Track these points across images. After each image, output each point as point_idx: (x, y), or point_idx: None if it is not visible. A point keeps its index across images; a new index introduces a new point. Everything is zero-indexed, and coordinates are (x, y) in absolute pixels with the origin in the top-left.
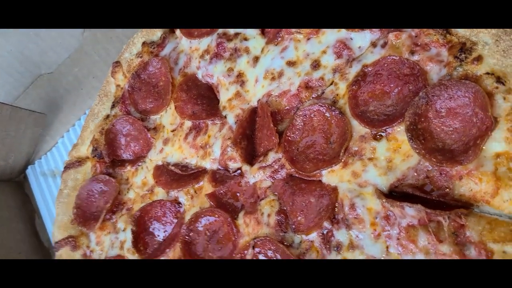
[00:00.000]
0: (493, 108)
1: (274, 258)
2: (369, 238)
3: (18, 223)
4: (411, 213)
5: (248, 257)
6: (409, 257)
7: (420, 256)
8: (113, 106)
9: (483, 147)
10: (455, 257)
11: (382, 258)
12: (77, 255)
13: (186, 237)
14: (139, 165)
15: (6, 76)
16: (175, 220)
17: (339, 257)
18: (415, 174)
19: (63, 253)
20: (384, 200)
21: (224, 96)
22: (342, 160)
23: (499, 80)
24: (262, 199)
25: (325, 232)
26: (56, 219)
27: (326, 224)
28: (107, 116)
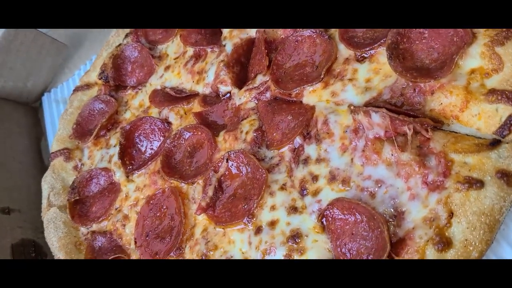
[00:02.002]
0: None
1: (245, 170)
2: (336, 151)
3: (25, 139)
4: (377, 120)
5: (221, 169)
6: (370, 168)
7: (381, 167)
8: (126, 37)
9: (460, 63)
10: (414, 166)
11: (344, 170)
12: (69, 166)
13: (168, 151)
14: (139, 89)
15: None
16: (162, 139)
17: (305, 170)
18: (391, 91)
19: (57, 163)
20: (352, 107)
21: None
22: (323, 79)
23: None
24: (244, 118)
25: (296, 147)
26: (57, 133)
27: (298, 139)
28: (119, 45)
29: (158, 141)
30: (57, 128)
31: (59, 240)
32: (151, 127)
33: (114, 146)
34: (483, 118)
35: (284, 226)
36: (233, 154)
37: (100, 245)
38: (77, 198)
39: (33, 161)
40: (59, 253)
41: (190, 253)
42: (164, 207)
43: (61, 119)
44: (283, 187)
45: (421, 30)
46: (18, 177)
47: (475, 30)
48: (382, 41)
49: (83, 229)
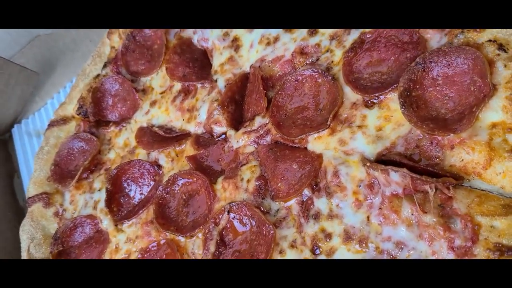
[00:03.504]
0: (492, 76)
1: (249, 224)
2: (350, 207)
3: None
4: (395, 179)
5: (223, 222)
6: (389, 228)
7: (402, 228)
8: (104, 66)
9: (479, 116)
10: (439, 229)
11: (360, 229)
12: (49, 212)
13: (161, 199)
14: (123, 126)
15: (3, 34)
16: (153, 183)
17: (316, 226)
18: (405, 143)
19: (35, 209)
20: (368, 164)
21: (217, 60)
22: (330, 126)
23: (501, 47)
24: (244, 164)
25: (304, 200)
26: (33, 175)
27: (307, 191)
28: (97, 76)
29: (148, 185)
30: (32, 167)
31: None
32: (140, 170)
33: (99, 190)
34: (507, 176)
35: None
36: (235, 206)
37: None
38: (61, 249)
39: (6, 203)
40: None
41: None
42: None
43: (37, 159)
44: (293, 245)
45: (434, 76)
46: None
47: (494, 81)
48: (392, 86)
49: None
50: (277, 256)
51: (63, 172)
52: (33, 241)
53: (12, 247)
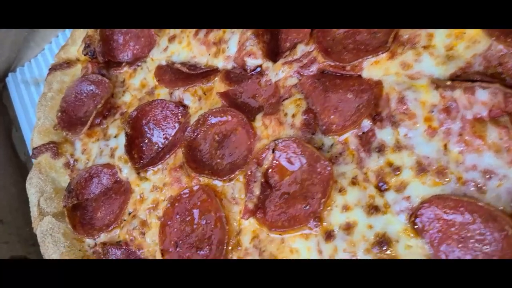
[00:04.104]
0: None
1: (298, 162)
2: (421, 135)
3: None
4: (483, 98)
5: (266, 162)
6: (473, 156)
7: (488, 154)
8: None
9: None
10: None
11: (437, 159)
12: (58, 164)
13: (191, 142)
14: (138, 65)
15: None
16: (177, 125)
17: (381, 160)
18: (484, 61)
19: (43, 160)
20: (448, 83)
21: None
22: (390, 49)
23: None
24: (286, 98)
25: (364, 132)
26: (36, 123)
27: (366, 122)
28: None
29: (172, 128)
30: (33, 118)
31: (62, 256)
32: (163, 112)
33: (115, 136)
34: None
35: (365, 230)
36: (282, 143)
37: (114, 259)
38: (75, 202)
39: (6, 158)
40: None
41: None
42: (195, 211)
43: (40, 106)
44: (354, 182)
45: None
46: None
47: None
48: None
49: (88, 241)
50: (336, 196)
51: (71, 119)
52: (43, 194)
53: (18, 202)
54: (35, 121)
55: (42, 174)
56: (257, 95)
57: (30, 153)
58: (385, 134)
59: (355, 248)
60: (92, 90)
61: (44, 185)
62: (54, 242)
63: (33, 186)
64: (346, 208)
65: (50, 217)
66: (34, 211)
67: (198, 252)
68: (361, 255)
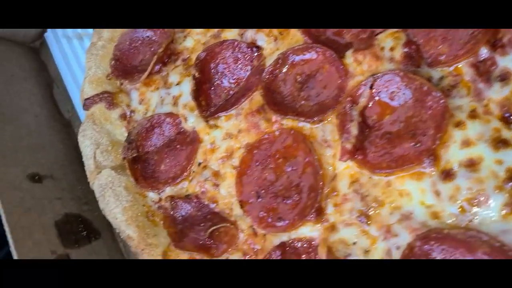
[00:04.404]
0: None
1: (402, 98)
2: None
3: (33, 87)
4: None
5: (363, 100)
6: None
7: None
8: None
9: None
10: None
11: None
12: (113, 115)
13: (269, 83)
14: None
15: None
16: (250, 68)
17: (506, 90)
18: None
19: (97, 111)
20: None
21: None
22: None
23: None
24: (380, 32)
25: (481, 60)
26: (86, 73)
27: (484, 50)
28: None
29: (244, 72)
30: (80, 70)
31: (125, 211)
32: (234, 54)
33: (177, 84)
34: None
35: (493, 166)
36: (382, 77)
37: (184, 214)
38: (135, 155)
39: (50, 113)
40: (128, 229)
41: (336, 214)
42: (278, 156)
43: (90, 55)
44: (473, 115)
45: None
46: (39, 134)
47: None
48: None
49: (152, 195)
50: (454, 131)
51: (126, 68)
52: (99, 147)
53: (66, 159)
54: (81, 79)
55: (96, 126)
56: (344, 31)
57: (82, 104)
58: (509, 61)
59: (483, 185)
60: (148, 36)
61: (99, 137)
62: (116, 196)
63: (87, 138)
64: (466, 143)
65: (109, 170)
66: (90, 164)
67: (285, 201)
68: (491, 193)
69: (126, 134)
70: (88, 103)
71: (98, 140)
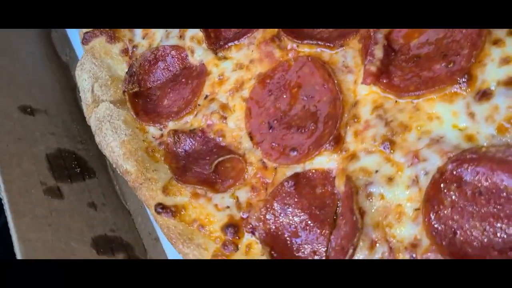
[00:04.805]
0: None
1: None
2: None
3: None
4: None
5: None
6: None
7: None
8: None
9: None
10: None
11: None
12: (114, 49)
13: None
14: None
15: None
16: None
17: None
18: None
19: (97, 45)
20: None
21: None
22: None
23: None
24: None
25: None
26: None
27: None
28: None
29: None
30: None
31: (123, 145)
32: None
33: None
34: None
35: None
36: None
37: (188, 149)
38: (137, 90)
39: (46, 53)
40: (126, 164)
41: (357, 141)
42: (294, 85)
43: None
44: None
45: None
46: (34, 71)
47: None
48: None
49: (153, 131)
50: (491, 48)
51: None
52: (98, 81)
53: (63, 97)
54: None
55: (96, 59)
56: None
57: (80, 40)
58: None
59: None
60: None
61: (98, 71)
62: (114, 129)
63: (86, 72)
64: (506, 61)
65: (107, 103)
66: (87, 98)
67: (300, 130)
68: None
69: (127, 70)
70: (87, 37)
71: (97, 74)
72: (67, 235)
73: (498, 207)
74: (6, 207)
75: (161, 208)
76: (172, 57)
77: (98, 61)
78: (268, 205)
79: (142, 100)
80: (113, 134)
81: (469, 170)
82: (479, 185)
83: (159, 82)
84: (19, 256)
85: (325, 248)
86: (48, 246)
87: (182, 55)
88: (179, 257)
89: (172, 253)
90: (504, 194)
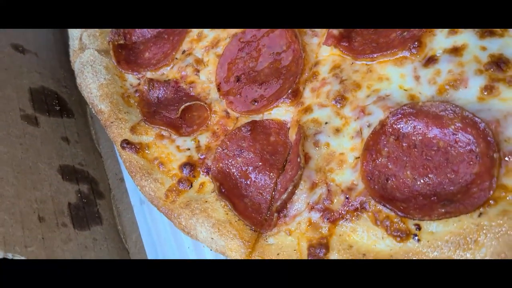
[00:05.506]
0: None
1: None
2: None
3: None
4: None
5: None
6: None
7: None
8: None
9: None
10: None
11: None
12: None
13: None
14: None
15: None
16: None
17: None
18: None
19: None
20: None
21: None
22: None
23: None
24: None
25: None
26: None
27: None
28: None
29: None
30: None
31: (101, 87)
32: None
33: None
34: None
35: (478, 51)
36: None
37: (160, 96)
38: (122, 42)
39: None
40: (101, 104)
41: (313, 96)
42: (263, 44)
43: None
44: None
45: None
46: None
47: None
48: None
49: (132, 80)
50: None
51: None
52: (87, 30)
53: (54, 45)
54: None
55: None
56: None
57: None
58: None
59: (463, 68)
60: None
61: None
62: (94, 73)
63: None
64: (454, 32)
65: (92, 50)
66: (74, 44)
67: (262, 85)
68: (471, 76)
69: None
70: None
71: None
72: (36, 156)
73: (429, 158)
74: None
75: (126, 143)
76: None
77: None
78: (223, 145)
79: (125, 51)
80: (93, 77)
81: (407, 124)
82: (414, 138)
83: (144, 37)
84: None
85: (271, 190)
86: (16, 161)
87: None
88: (137, 193)
89: (132, 191)
90: (435, 147)
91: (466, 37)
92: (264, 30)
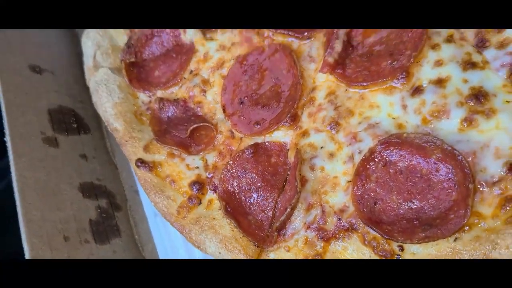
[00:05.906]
0: None
1: None
2: None
3: None
4: None
5: None
6: None
7: None
8: None
9: None
10: None
11: None
12: None
13: None
14: None
15: None
16: None
17: None
18: None
19: None
20: None
21: None
22: None
23: None
24: None
25: None
26: None
27: None
28: None
29: None
30: None
31: (115, 106)
32: None
33: None
34: None
35: (460, 84)
36: None
37: (170, 115)
38: (133, 60)
39: None
40: (115, 122)
41: (310, 121)
42: (265, 68)
43: None
44: (449, 40)
45: None
46: (46, 34)
47: None
48: None
49: (143, 97)
50: (429, 52)
51: None
52: (100, 48)
53: (68, 61)
54: None
55: (100, 30)
56: None
57: None
58: None
59: (446, 100)
60: None
61: (101, 40)
62: (109, 92)
63: (90, 39)
64: (438, 63)
65: (106, 69)
66: (89, 62)
67: (265, 108)
68: (453, 108)
69: (126, 41)
70: None
71: (100, 43)
72: (58, 177)
73: (413, 184)
74: (9, 149)
75: (141, 162)
76: (167, 34)
77: (102, 31)
78: (229, 167)
79: (136, 69)
80: (108, 96)
81: (394, 152)
82: (400, 165)
83: (153, 55)
84: (15, 188)
85: (272, 209)
86: (41, 185)
87: (176, 33)
88: (151, 206)
89: (146, 204)
90: (419, 174)
91: (450, 68)
92: (266, 54)
